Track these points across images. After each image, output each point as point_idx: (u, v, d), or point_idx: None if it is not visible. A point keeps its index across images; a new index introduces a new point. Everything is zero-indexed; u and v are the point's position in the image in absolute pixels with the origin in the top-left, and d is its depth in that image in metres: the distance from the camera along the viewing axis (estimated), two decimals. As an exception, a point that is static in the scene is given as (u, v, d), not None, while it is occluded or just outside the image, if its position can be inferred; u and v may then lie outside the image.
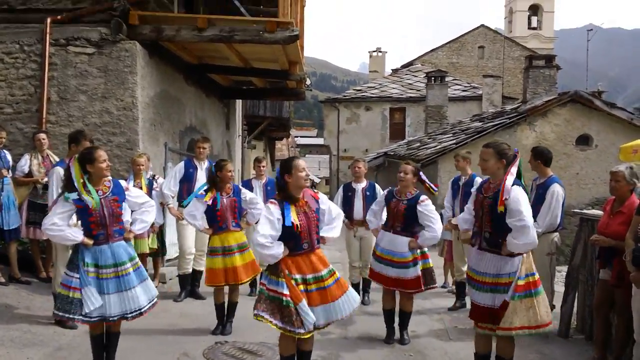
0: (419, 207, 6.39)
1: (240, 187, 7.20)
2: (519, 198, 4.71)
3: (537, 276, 4.87)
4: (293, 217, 4.72)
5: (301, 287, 4.72)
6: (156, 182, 8.36)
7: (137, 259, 5.26)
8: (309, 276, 4.78)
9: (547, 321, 4.79)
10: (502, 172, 4.87)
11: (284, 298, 4.64)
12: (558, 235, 6.96)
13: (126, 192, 5.22)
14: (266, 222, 4.73)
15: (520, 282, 4.74)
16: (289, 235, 4.74)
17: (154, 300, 5.24)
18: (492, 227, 4.86)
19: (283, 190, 4.85)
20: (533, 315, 4.72)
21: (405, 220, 6.44)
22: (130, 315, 5.01)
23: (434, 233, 6.33)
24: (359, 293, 8.63)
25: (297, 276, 4.74)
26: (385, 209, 6.85)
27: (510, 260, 4.80)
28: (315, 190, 5.10)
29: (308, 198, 4.93)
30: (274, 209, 4.75)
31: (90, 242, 4.98)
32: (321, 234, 4.99)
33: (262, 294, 4.79)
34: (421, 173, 6.66)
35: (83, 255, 4.98)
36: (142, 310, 5.08)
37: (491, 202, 4.84)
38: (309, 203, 4.91)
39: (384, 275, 6.50)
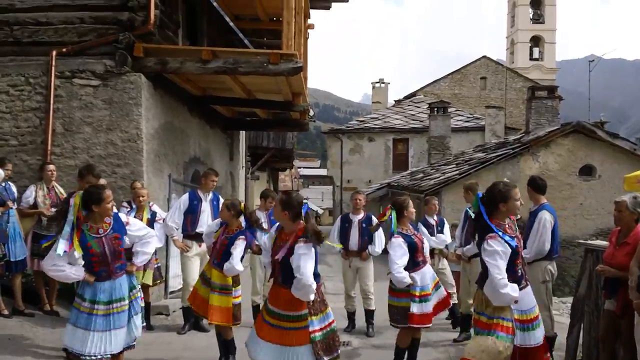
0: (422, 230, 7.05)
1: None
2: None
3: None
4: (268, 247, 5.10)
5: (265, 316, 4.87)
6: (158, 213, 8.32)
7: (137, 289, 5.30)
8: (269, 306, 4.85)
9: None
10: None
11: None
12: (553, 263, 6.99)
13: (127, 227, 5.23)
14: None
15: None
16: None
17: (132, 344, 5.26)
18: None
19: None
20: None
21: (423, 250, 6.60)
22: (105, 355, 4.97)
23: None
24: (354, 322, 8.80)
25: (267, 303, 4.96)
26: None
27: None
28: (303, 238, 4.69)
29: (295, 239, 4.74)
30: (273, 231, 5.12)
31: (92, 278, 5.01)
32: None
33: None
34: None
35: (83, 290, 5.04)
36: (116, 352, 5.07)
37: (523, 237, 4.83)
38: (287, 245, 4.74)
39: (428, 313, 6.34)
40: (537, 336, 4.71)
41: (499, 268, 4.54)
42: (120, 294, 5.06)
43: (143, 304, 5.41)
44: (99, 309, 4.97)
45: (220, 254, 6.40)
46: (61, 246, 4.86)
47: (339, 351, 4.86)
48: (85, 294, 5.01)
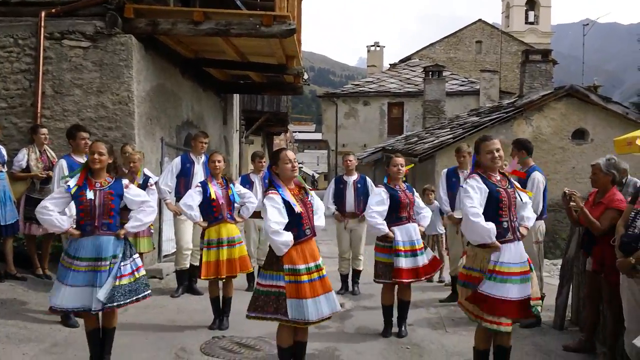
0: (415, 194, 6.84)
1: (234, 180, 7.16)
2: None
3: None
4: (295, 203, 4.80)
5: (305, 277, 4.72)
6: (151, 178, 8.20)
7: (117, 260, 5.04)
8: (312, 264, 4.81)
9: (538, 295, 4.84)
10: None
11: (280, 290, 4.70)
12: (543, 223, 7.13)
13: (125, 190, 5.21)
14: (274, 210, 4.73)
15: None
16: (293, 222, 4.78)
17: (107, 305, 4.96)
18: (517, 215, 4.94)
19: (273, 181, 4.92)
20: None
21: (413, 208, 6.70)
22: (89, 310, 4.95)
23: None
24: (347, 284, 8.91)
25: (302, 267, 4.75)
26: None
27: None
28: (302, 182, 5.12)
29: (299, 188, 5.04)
30: (277, 198, 4.77)
31: (76, 232, 5.03)
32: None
33: (255, 294, 4.88)
34: None
35: (70, 246, 5.09)
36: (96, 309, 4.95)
37: (513, 190, 4.89)
38: (302, 192, 5.00)
39: (414, 269, 6.43)
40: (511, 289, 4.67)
41: (471, 199, 4.72)
42: (104, 253, 4.99)
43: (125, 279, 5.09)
44: (79, 265, 4.96)
45: (229, 207, 6.76)
46: (72, 182, 5.09)
47: None
48: (70, 250, 5.04)
